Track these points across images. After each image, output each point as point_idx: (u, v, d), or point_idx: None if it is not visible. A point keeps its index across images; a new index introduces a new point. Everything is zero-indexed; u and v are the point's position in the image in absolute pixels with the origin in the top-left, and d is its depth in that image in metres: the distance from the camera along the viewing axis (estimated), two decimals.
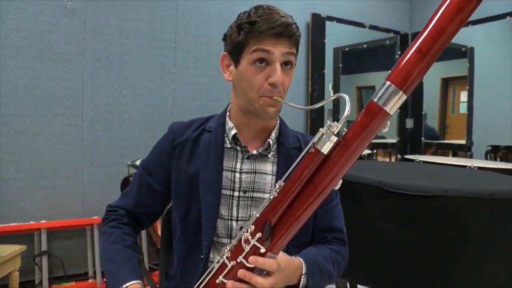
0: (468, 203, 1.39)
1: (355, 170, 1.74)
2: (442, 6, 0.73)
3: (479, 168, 2.30)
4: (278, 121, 1.16)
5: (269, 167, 1.12)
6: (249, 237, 0.86)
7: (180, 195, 1.12)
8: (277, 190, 0.85)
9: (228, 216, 1.10)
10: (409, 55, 0.75)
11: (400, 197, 1.45)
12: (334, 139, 0.79)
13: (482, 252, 1.42)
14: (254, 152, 1.11)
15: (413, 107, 4.18)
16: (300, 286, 0.98)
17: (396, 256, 1.50)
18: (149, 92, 3.02)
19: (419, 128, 4.17)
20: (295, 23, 1.04)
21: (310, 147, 0.81)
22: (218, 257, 0.91)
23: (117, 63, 2.91)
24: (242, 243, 0.86)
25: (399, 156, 4.18)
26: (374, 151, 3.26)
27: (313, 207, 0.83)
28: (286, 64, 1.03)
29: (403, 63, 0.75)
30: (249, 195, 1.10)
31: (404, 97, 0.75)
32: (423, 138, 4.19)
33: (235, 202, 1.10)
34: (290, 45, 1.02)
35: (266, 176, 1.11)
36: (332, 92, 4.42)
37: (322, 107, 3.81)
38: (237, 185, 1.10)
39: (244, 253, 0.86)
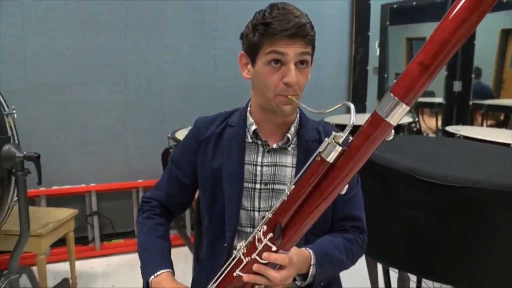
0: (499, 196, 1.35)
1: (387, 151, 1.73)
2: (447, 17, 0.70)
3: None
4: (298, 114, 1.17)
5: (289, 160, 1.14)
6: (262, 237, 0.90)
7: (206, 188, 1.17)
8: (287, 194, 0.88)
9: (250, 207, 1.14)
10: (412, 67, 0.73)
11: (430, 186, 1.42)
12: (339, 149, 0.80)
13: (509, 247, 1.40)
14: (274, 146, 1.13)
15: (462, 69, 3.93)
16: (309, 275, 1.03)
17: (422, 244, 1.50)
18: (190, 58, 3.05)
19: (467, 91, 3.95)
20: (310, 22, 1.03)
21: (317, 155, 0.83)
22: (235, 252, 0.97)
23: (158, 31, 2.95)
24: (256, 241, 0.91)
25: (442, 125, 4.03)
26: (416, 119, 3.15)
27: (320, 209, 0.86)
28: (302, 63, 1.03)
29: (405, 75, 0.74)
30: (270, 187, 1.14)
31: (407, 108, 0.75)
32: (471, 102, 3.99)
33: (257, 194, 1.14)
34: (304, 45, 1.01)
35: (286, 169, 1.14)
36: (378, 51, 4.28)
37: (366, 65, 3.73)
38: (258, 178, 1.14)
39: (258, 250, 0.91)
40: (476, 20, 0.68)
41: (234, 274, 0.95)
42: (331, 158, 0.81)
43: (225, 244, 1.14)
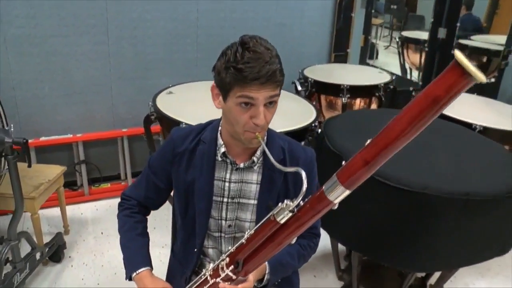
0: (444, 202, 1.52)
1: (351, 137, 1.86)
2: (390, 125, 0.80)
3: (485, 129, 2.29)
4: (266, 137, 1.27)
5: (254, 177, 1.28)
6: (225, 267, 1.08)
7: (179, 196, 1.31)
8: (247, 238, 1.04)
9: (218, 217, 1.30)
10: (356, 160, 0.84)
11: (384, 185, 1.59)
12: (289, 214, 0.95)
13: (445, 240, 1.61)
14: (241, 165, 1.25)
15: (448, 16, 3.91)
16: (264, 280, 1.24)
17: (375, 232, 1.70)
18: (172, 6, 2.99)
19: (451, 39, 3.96)
20: (279, 66, 1.08)
21: (272, 215, 0.97)
22: (204, 270, 1.15)
23: None
24: (219, 269, 1.09)
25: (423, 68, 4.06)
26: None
27: (273, 253, 1.03)
28: (270, 103, 1.12)
29: (350, 165, 0.85)
30: (236, 200, 1.29)
31: (348, 191, 0.87)
32: (455, 43, 4.00)
33: (224, 206, 1.29)
34: (273, 89, 1.08)
35: (252, 185, 1.28)
36: None
37: (351, 11, 3.67)
38: (226, 193, 1.28)
39: (221, 276, 1.09)
40: (414, 133, 0.78)
41: None
42: (281, 220, 0.95)
43: (195, 250, 1.33)
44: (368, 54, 6.44)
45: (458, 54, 0.66)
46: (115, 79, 3.00)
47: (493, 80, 4.30)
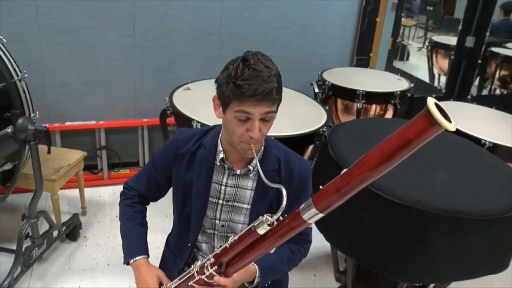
0: (434, 218, 1.57)
1: (344, 146, 1.91)
2: (364, 159, 0.87)
3: (494, 146, 2.29)
4: (263, 147, 1.35)
5: (249, 184, 1.36)
6: (209, 267, 1.18)
7: (177, 194, 1.42)
8: (231, 242, 1.13)
9: (213, 217, 1.40)
10: (330, 187, 0.92)
11: (377, 196, 1.64)
12: (267, 227, 1.03)
13: (435, 255, 1.66)
14: (238, 172, 1.34)
15: (478, 25, 3.86)
16: (254, 283, 1.32)
17: (367, 240, 1.77)
18: (198, 3, 3.08)
19: (478, 48, 3.92)
20: (277, 85, 1.15)
21: (253, 226, 1.06)
22: (192, 266, 1.25)
23: None
24: (205, 268, 1.19)
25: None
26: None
27: (252, 258, 1.12)
28: (266, 118, 1.19)
29: (325, 192, 0.93)
30: (231, 203, 1.38)
31: (321, 215, 0.95)
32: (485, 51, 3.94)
33: (219, 208, 1.39)
34: (269, 106, 1.16)
35: (246, 191, 1.37)
36: None
37: (376, 16, 3.66)
38: (222, 195, 1.37)
39: (206, 275, 1.19)
40: (384, 169, 0.84)
41: (189, 284, 1.25)
42: (261, 231, 1.04)
43: (189, 244, 1.43)
44: (398, 56, 6.38)
45: (430, 103, 0.71)
46: (139, 71, 3.13)
47: None
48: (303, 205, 0.98)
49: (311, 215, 0.95)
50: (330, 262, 2.56)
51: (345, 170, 0.90)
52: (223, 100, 1.19)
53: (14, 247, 2.17)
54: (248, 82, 1.11)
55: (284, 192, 1.04)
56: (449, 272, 1.75)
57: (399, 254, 1.71)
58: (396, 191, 1.63)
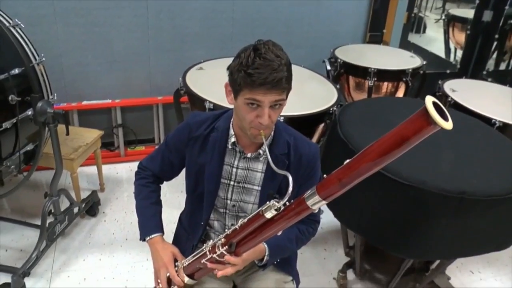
0: (439, 198, 1.61)
1: (353, 126, 1.94)
2: (364, 153, 0.92)
3: (504, 125, 2.28)
4: (273, 131, 1.39)
5: (259, 166, 1.42)
6: (220, 247, 1.25)
7: (190, 175, 1.48)
8: (240, 225, 1.20)
9: (224, 197, 1.47)
10: (332, 178, 0.97)
11: (383, 177, 1.69)
12: (274, 212, 1.10)
13: (439, 233, 1.71)
14: (249, 155, 1.40)
15: None
16: (264, 261, 1.40)
17: (374, 219, 1.83)
18: None
19: (496, 22, 3.82)
20: (287, 74, 1.18)
21: (260, 210, 1.12)
22: (204, 245, 1.33)
23: None
24: (216, 247, 1.27)
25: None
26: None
27: (260, 240, 1.19)
28: (276, 105, 1.23)
29: (327, 181, 0.99)
30: (242, 185, 1.44)
31: (325, 202, 1.01)
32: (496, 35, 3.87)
33: (230, 189, 1.45)
34: (279, 94, 1.19)
35: (257, 173, 1.43)
36: None
37: None
38: (233, 177, 1.43)
39: (217, 253, 1.27)
40: (382, 162, 0.89)
41: (202, 261, 1.33)
42: (268, 216, 1.11)
43: (202, 223, 1.51)
44: (414, 29, 6.24)
45: (428, 102, 0.75)
46: (153, 50, 3.17)
47: None
48: (307, 192, 1.04)
49: (315, 202, 1.02)
50: (340, 237, 2.64)
51: (347, 161, 0.95)
52: (234, 88, 1.23)
53: (38, 223, 2.30)
54: (259, 71, 1.15)
55: (291, 179, 1.09)
56: (453, 250, 1.80)
57: (405, 232, 1.77)
58: (402, 171, 1.68)
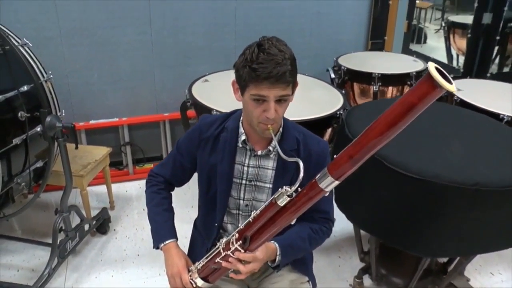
0: (453, 191, 1.58)
1: (361, 126, 1.94)
2: (372, 126, 0.91)
3: None
4: (281, 127, 1.40)
5: (270, 164, 1.42)
6: (234, 242, 1.24)
7: (202, 177, 1.48)
8: (253, 217, 1.19)
9: (237, 197, 1.46)
10: (343, 156, 0.97)
11: (393, 172, 1.67)
12: (287, 198, 1.09)
13: (455, 228, 1.68)
14: (259, 153, 1.40)
15: (495, 0, 3.80)
16: (276, 261, 1.37)
17: (386, 217, 1.80)
18: None
19: (496, 25, 3.85)
20: (290, 68, 1.20)
21: (273, 198, 1.11)
22: (218, 243, 1.31)
23: None
24: (230, 243, 1.25)
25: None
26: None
27: (275, 231, 1.17)
28: (281, 99, 1.24)
29: (338, 160, 0.98)
30: (253, 183, 1.44)
31: (337, 182, 1.00)
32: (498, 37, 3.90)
33: (242, 188, 1.45)
34: (284, 88, 1.21)
35: (268, 171, 1.42)
36: None
37: None
38: (245, 176, 1.43)
39: (231, 250, 1.25)
40: (391, 134, 0.89)
41: (216, 260, 1.31)
42: (281, 203, 1.10)
43: (216, 224, 1.49)
44: (415, 39, 6.29)
45: (431, 67, 0.77)
46: (157, 66, 3.21)
47: None
48: (319, 174, 1.03)
49: (328, 183, 1.01)
50: (354, 245, 2.59)
51: (356, 138, 0.94)
52: (241, 84, 1.25)
53: (49, 241, 2.28)
54: (263, 65, 1.17)
55: (301, 164, 1.09)
56: (471, 245, 1.76)
57: (419, 229, 1.73)
58: (412, 165, 1.65)
